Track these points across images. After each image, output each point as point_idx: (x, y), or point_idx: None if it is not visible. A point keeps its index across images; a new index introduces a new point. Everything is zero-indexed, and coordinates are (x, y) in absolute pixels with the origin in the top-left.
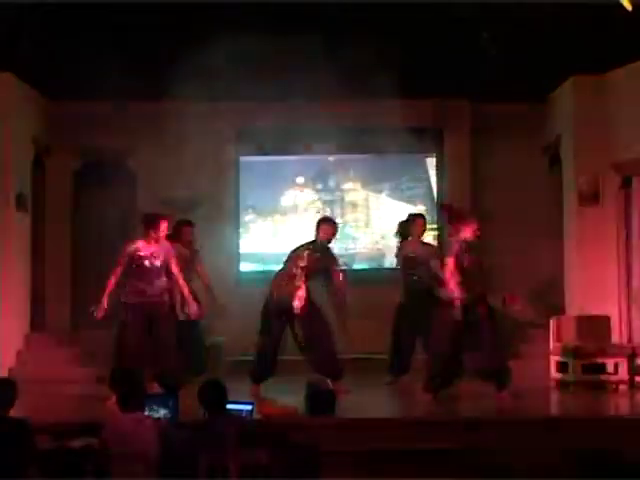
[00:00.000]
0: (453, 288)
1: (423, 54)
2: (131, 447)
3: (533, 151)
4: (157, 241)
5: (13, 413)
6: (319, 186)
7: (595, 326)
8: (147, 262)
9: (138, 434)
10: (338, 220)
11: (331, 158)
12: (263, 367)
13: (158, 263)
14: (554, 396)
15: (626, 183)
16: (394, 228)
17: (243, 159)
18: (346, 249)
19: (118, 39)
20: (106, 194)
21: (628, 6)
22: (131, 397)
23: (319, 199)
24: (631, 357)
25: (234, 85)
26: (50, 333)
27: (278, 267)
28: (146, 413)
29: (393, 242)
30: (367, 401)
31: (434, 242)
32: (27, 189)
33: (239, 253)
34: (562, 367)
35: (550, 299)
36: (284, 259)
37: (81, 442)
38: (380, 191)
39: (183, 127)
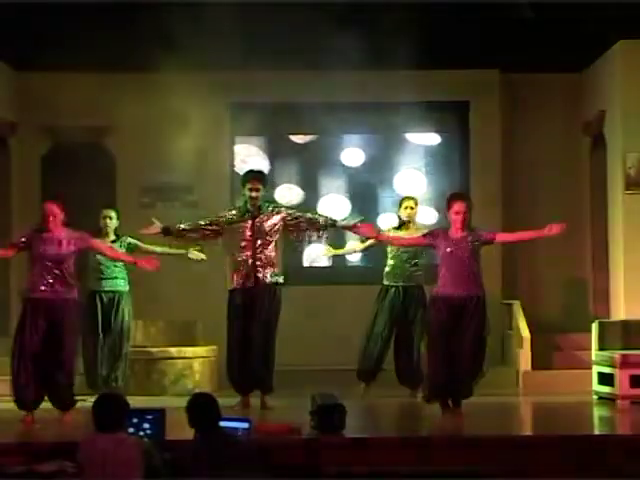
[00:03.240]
0: None
1: (446, 18)
2: (110, 470)
3: (571, 128)
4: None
5: None
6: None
7: None
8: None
9: (119, 456)
10: None
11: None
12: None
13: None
14: (596, 412)
15: None
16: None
17: (239, 139)
18: None
19: (94, 4)
20: (80, 180)
21: None
22: (109, 414)
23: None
24: None
25: (228, 52)
26: None
27: None
28: (128, 431)
29: None
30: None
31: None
32: None
33: None
34: (606, 379)
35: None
36: None
37: (53, 466)
38: None
39: (169, 102)
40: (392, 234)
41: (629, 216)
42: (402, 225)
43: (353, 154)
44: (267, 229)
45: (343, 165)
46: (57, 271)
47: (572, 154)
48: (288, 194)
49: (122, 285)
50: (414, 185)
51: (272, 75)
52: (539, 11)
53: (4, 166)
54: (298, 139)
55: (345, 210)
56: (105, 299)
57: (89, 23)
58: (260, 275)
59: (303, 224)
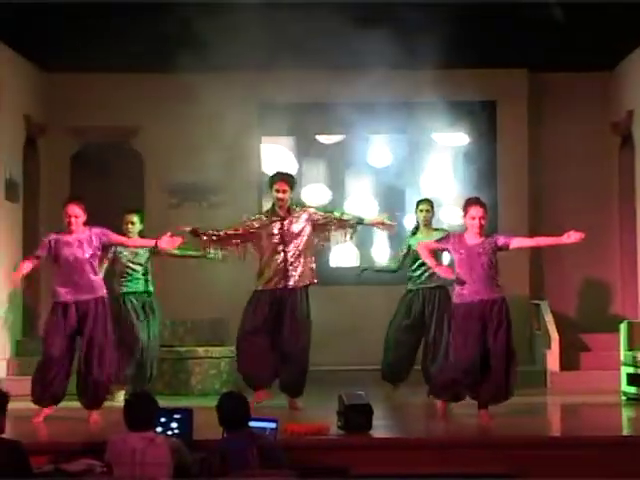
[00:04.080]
0: None
1: (474, 18)
2: (140, 470)
3: (600, 128)
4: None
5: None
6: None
7: None
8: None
9: (149, 455)
10: None
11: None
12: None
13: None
14: (625, 413)
15: None
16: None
17: (266, 139)
18: None
19: (122, 4)
20: (108, 180)
21: None
22: (140, 413)
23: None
24: None
25: (255, 53)
26: None
27: None
28: (157, 430)
29: None
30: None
31: None
32: (18, 176)
33: None
34: (635, 380)
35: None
36: None
37: (81, 465)
38: None
39: (197, 102)
40: (410, 239)
41: None
42: (417, 229)
43: (380, 154)
44: (296, 231)
45: (370, 165)
46: (81, 272)
47: (601, 154)
48: (315, 194)
49: (148, 286)
50: (441, 185)
51: (300, 75)
52: (568, 10)
53: (33, 167)
54: (325, 139)
55: (372, 210)
56: (132, 302)
57: (117, 24)
58: (289, 277)
59: (331, 224)
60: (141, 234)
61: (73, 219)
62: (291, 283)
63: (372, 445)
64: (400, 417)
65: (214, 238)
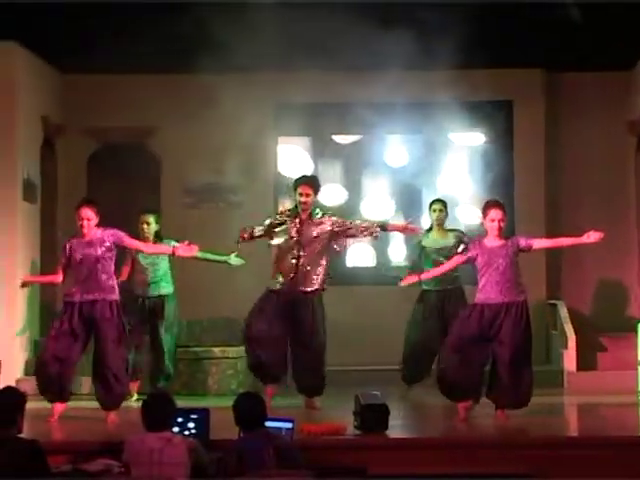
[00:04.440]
0: None
1: (492, 18)
2: (158, 469)
3: (616, 128)
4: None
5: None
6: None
7: None
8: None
9: (165, 455)
10: None
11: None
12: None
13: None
14: None
15: None
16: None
17: (283, 140)
18: None
19: (139, 5)
20: (125, 181)
21: None
22: (158, 414)
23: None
24: None
25: (271, 53)
26: None
27: None
28: (174, 430)
29: None
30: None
31: None
32: (36, 176)
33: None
34: None
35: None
36: None
37: (99, 465)
38: None
39: (213, 103)
40: (424, 239)
41: None
42: (431, 229)
43: (397, 154)
44: (315, 235)
45: (387, 165)
46: (91, 272)
47: (618, 154)
48: (331, 194)
49: (167, 287)
50: (457, 185)
51: (316, 76)
52: (585, 10)
53: (51, 168)
54: (342, 139)
55: (389, 210)
56: (151, 303)
57: (134, 26)
58: (303, 281)
59: (351, 231)
60: (157, 235)
61: (85, 222)
62: (305, 286)
63: (388, 445)
64: (416, 417)
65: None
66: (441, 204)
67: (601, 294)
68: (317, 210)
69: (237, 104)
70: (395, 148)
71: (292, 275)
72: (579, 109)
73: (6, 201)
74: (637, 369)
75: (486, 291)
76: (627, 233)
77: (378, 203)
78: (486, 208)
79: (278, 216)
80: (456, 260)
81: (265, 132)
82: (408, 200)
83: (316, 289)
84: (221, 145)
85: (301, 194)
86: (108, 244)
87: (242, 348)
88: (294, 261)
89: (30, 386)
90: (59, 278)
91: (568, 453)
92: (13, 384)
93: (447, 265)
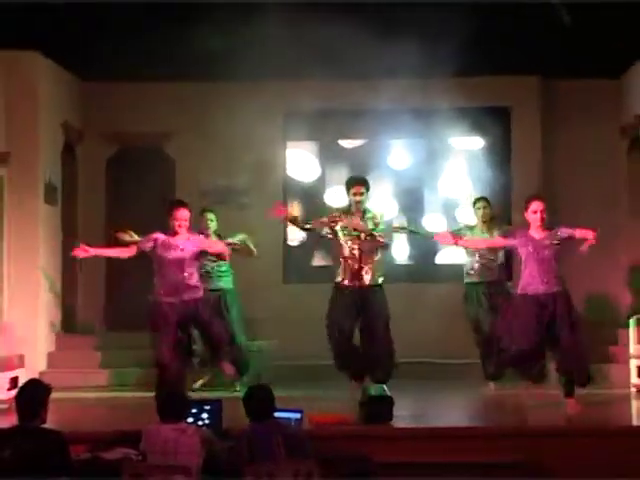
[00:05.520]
0: None
1: (489, 26)
2: (172, 459)
3: (610, 132)
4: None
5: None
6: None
7: None
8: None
9: (180, 444)
10: None
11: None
12: None
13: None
14: (635, 404)
15: None
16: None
17: (291, 144)
18: None
19: (156, 16)
20: (143, 183)
21: None
22: (173, 406)
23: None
24: None
25: (282, 62)
26: (83, 334)
27: None
28: (189, 421)
29: None
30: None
31: None
32: (57, 180)
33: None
34: None
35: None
36: None
37: (117, 453)
38: None
39: (225, 109)
40: (468, 234)
41: None
42: (474, 226)
43: (399, 158)
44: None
45: (390, 169)
46: (181, 272)
47: (611, 158)
48: (338, 197)
49: (228, 283)
50: (458, 188)
51: (323, 84)
52: (580, 18)
53: (71, 171)
54: (347, 144)
55: (392, 211)
56: (214, 297)
57: (150, 35)
58: (363, 275)
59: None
60: (216, 233)
61: (183, 222)
62: (364, 281)
63: (393, 435)
64: (422, 408)
65: (307, 227)
66: (485, 201)
67: (591, 291)
68: (369, 210)
69: (248, 110)
70: (398, 152)
71: (351, 270)
72: (573, 115)
73: (29, 204)
74: (629, 361)
75: (532, 281)
76: (618, 233)
77: (381, 204)
78: (528, 202)
79: (335, 215)
80: (497, 241)
81: (274, 137)
82: (410, 201)
83: (375, 283)
84: (233, 149)
85: (355, 194)
86: (195, 249)
87: (251, 342)
88: (352, 256)
89: (54, 378)
90: (132, 252)
91: (556, 441)
92: (37, 377)
93: (487, 242)
